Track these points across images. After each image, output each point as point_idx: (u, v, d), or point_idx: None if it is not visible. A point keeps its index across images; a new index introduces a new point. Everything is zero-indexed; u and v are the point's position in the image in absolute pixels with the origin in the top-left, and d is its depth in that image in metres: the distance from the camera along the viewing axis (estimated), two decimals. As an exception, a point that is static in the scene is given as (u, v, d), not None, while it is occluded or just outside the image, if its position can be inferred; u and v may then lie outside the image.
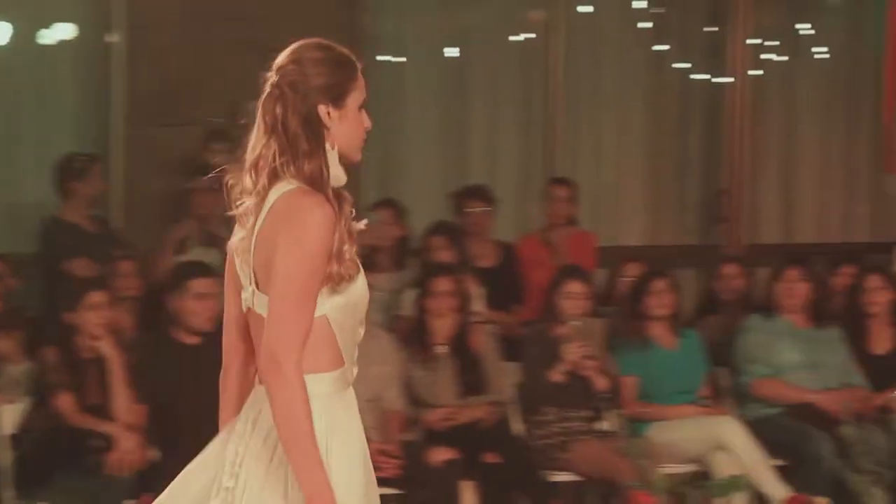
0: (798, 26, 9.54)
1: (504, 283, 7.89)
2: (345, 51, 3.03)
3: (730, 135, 9.19)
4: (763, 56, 9.43)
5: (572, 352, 6.88)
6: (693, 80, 9.44)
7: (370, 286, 3.08)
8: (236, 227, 3.02)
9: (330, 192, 2.92)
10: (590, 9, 9.11)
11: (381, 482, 6.26)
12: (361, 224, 2.99)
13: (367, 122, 3.04)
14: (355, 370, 3.04)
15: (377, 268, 7.24)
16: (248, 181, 2.94)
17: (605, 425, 7.02)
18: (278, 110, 2.91)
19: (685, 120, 9.46)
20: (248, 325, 3.01)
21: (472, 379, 6.90)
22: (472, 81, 9.03)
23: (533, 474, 6.72)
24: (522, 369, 7.11)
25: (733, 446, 6.78)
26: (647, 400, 7.08)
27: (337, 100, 2.94)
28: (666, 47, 9.37)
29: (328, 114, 2.94)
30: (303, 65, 2.93)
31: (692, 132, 9.46)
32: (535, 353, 7.05)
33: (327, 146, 2.96)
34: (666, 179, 9.43)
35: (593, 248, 8.38)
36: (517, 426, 7.01)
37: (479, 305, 7.38)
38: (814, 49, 9.59)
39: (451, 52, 8.92)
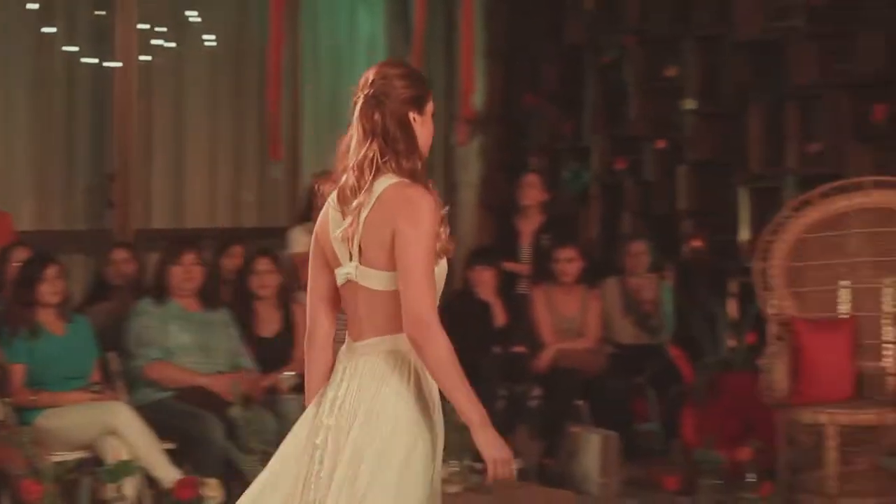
0: (187, 13, 9.62)
1: None
2: (416, 68, 3.78)
3: (119, 120, 9.14)
4: (153, 42, 9.44)
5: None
6: (82, 63, 9.30)
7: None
8: (329, 216, 3.58)
9: (427, 183, 3.54)
10: (-27, -10, 8.81)
11: None
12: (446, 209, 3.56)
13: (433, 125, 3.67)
14: None
15: None
16: (352, 179, 3.51)
17: (-8, 415, 6.82)
18: (377, 116, 3.52)
19: (74, 104, 9.30)
20: (336, 297, 3.63)
21: None
22: None
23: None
24: None
25: (124, 431, 6.75)
26: (37, 387, 6.92)
27: (421, 108, 3.60)
28: (53, 30, 9.18)
29: (414, 119, 3.58)
30: (390, 79, 3.56)
31: (81, 116, 9.32)
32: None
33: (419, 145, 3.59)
34: (54, 164, 9.24)
35: (10, 227, 8.14)
36: None
37: None
38: (203, 36, 9.71)
39: None
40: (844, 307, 7.53)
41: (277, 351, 7.60)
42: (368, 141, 3.53)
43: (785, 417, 7.13)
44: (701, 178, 9.79)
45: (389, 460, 3.49)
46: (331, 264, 3.63)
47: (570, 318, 8.47)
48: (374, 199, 3.49)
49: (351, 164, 3.54)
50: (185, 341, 7.26)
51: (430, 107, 3.65)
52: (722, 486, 7.04)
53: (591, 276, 8.71)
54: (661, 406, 8.29)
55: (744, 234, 9.26)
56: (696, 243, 9.55)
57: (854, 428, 6.95)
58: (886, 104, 8.63)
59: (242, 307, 7.62)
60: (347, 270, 3.55)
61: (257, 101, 9.65)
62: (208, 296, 7.43)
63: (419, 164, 3.56)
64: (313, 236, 3.69)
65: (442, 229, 3.53)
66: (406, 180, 3.51)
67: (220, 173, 9.90)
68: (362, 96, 3.58)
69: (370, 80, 3.58)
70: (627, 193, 10.14)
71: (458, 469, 6.95)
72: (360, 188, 3.51)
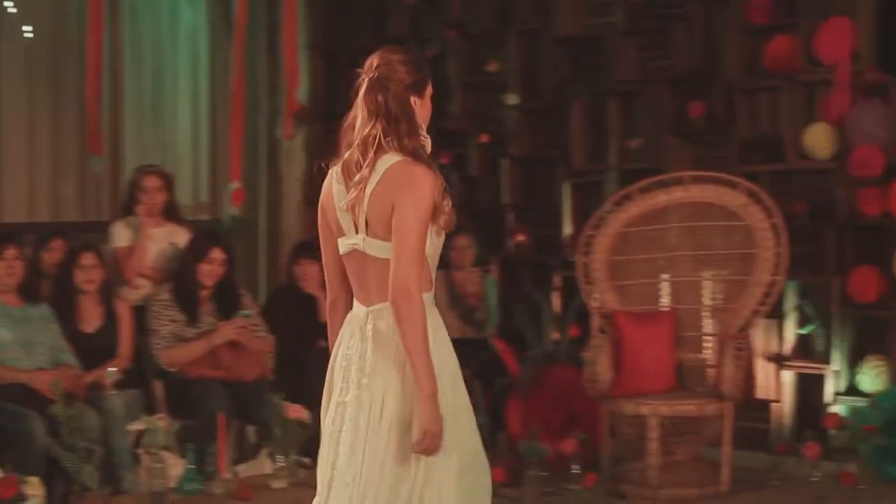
0: (5, 4, 9.39)
1: None
2: (418, 53, 4.00)
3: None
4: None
5: None
6: None
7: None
8: (333, 189, 3.87)
9: (429, 162, 3.81)
10: None
11: None
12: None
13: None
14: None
15: None
16: (356, 155, 3.80)
17: None
18: (380, 98, 3.80)
19: None
20: (343, 265, 3.92)
21: None
22: None
23: None
24: None
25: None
26: None
27: (420, 91, 3.88)
28: None
29: (415, 102, 3.86)
30: (392, 65, 3.85)
31: None
32: None
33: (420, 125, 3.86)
34: None
35: None
36: None
37: None
38: (21, 27, 9.49)
39: None
40: (665, 300, 7.69)
41: (100, 346, 7.48)
42: (373, 121, 3.82)
43: (608, 409, 7.26)
44: (524, 173, 9.89)
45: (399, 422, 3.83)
46: (335, 234, 3.93)
47: (396, 312, 8.48)
48: (379, 176, 3.78)
49: (356, 142, 3.83)
50: (4, 337, 7.10)
51: (429, 90, 3.95)
52: (547, 478, 7.13)
53: (416, 270, 8.72)
54: (487, 399, 8.34)
55: (567, 228, 9.38)
56: (520, 238, 9.65)
57: (675, 419, 7.10)
58: (703, 101, 8.83)
59: (64, 302, 7.48)
60: (353, 241, 3.86)
61: (77, 94, 9.47)
62: (28, 291, 7.28)
63: (420, 144, 3.83)
64: (319, 208, 3.98)
65: (445, 203, 3.83)
66: (409, 158, 3.79)
67: (39, 167, 9.69)
68: (366, 79, 3.87)
69: (374, 65, 3.88)
70: (452, 187, 10.16)
71: (284, 464, 6.94)
72: (363, 163, 3.79)
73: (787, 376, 8.17)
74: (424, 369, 3.74)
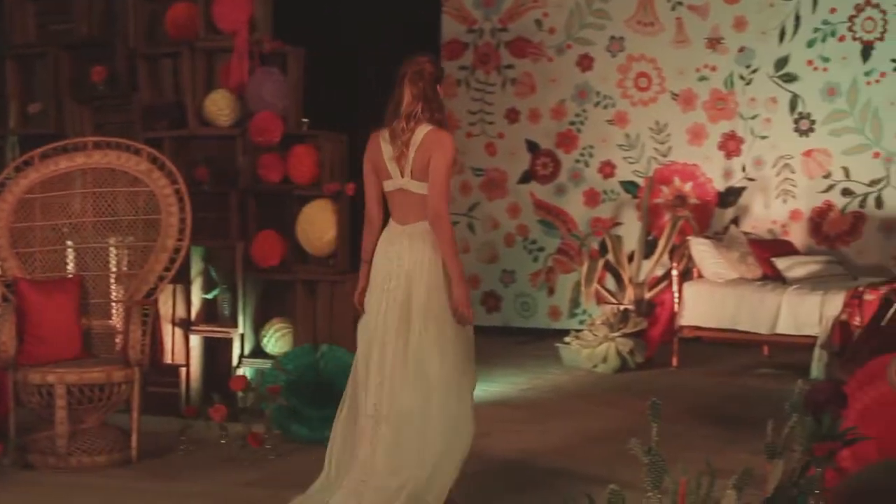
0: None
1: None
2: (436, 59, 6.03)
3: None
4: None
5: None
6: None
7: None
8: (379, 145, 5.76)
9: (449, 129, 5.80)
10: None
11: None
12: None
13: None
14: None
15: None
16: (403, 123, 5.67)
17: None
18: (421, 84, 5.70)
19: None
20: (382, 199, 5.84)
21: None
22: None
23: None
24: None
25: None
26: None
27: (441, 81, 5.82)
28: None
29: (438, 88, 5.78)
30: (423, 64, 5.75)
31: None
32: None
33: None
34: None
35: None
36: None
37: None
38: None
39: None
40: (71, 267, 7.59)
41: None
42: (416, 102, 5.68)
43: (14, 378, 7.08)
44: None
45: (438, 292, 5.72)
46: (380, 177, 5.79)
47: None
48: (419, 140, 5.65)
49: (403, 114, 5.67)
50: None
51: (445, 80, 6.04)
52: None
53: None
54: None
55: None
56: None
57: (83, 386, 7.03)
58: (104, 66, 8.76)
59: None
60: (400, 183, 5.73)
61: None
62: None
63: (444, 116, 5.76)
64: (366, 159, 5.81)
65: (457, 157, 6.02)
66: (437, 127, 5.67)
67: None
68: (409, 72, 5.71)
69: (414, 63, 5.73)
70: None
71: None
72: (407, 129, 5.65)
73: (195, 340, 8.29)
74: (456, 261, 5.66)
